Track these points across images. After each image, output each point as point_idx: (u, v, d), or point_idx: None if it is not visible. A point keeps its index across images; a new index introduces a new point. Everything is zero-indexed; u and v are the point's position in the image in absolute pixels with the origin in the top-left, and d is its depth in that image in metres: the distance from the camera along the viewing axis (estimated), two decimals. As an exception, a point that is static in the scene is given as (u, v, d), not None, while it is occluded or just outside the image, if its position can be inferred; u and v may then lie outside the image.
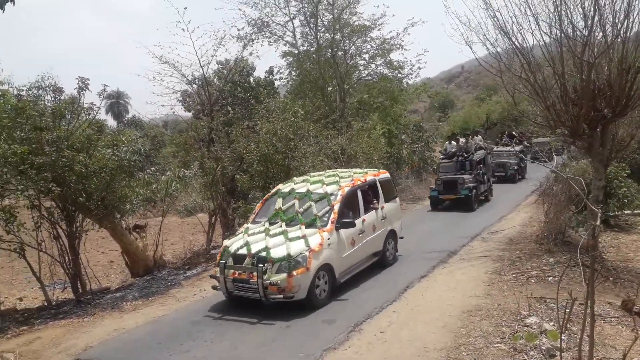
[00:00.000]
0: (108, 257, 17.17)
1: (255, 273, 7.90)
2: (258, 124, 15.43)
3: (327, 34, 24.71)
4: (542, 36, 9.58)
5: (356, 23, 24.21)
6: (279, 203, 9.57)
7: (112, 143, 10.85)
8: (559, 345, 5.55)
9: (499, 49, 10.51)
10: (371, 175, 10.98)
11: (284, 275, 7.80)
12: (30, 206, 9.80)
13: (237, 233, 9.69)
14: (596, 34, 9.14)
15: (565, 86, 9.27)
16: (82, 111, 10.80)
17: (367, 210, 10.10)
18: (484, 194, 19.69)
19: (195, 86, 18.36)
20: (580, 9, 8.91)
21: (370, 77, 25.93)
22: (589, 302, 5.00)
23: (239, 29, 22.69)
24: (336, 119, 22.20)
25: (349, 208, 9.63)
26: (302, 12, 24.31)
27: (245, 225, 9.70)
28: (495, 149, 27.50)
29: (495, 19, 9.92)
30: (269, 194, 10.41)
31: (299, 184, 10.12)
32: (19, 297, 12.39)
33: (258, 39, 23.52)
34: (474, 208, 17.99)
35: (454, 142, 20.68)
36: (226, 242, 9.04)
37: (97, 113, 11.10)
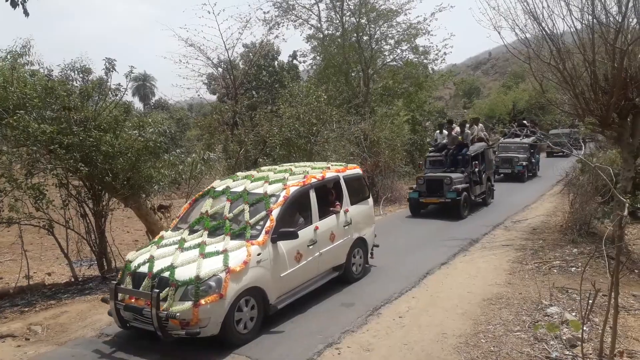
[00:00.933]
0: (133, 236, 17.51)
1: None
2: (281, 108, 15.49)
3: (352, 18, 24.53)
4: (573, 22, 9.37)
5: (382, 7, 23.99)
6: (207, 205, 7.60)
7: (139, 124, 11.00)
8: (580, 335, 5.51)
9: (528, 35, 10.32)
10: (333, 171, 8.79)
11: (188, 304, 5.79)
12: (58, 184, 10.03)
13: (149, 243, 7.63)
14: (630, 20, 8.91)
15: (595, 74, 9.06)
16: (109, 92, 10.96)
17: (323, 214, 8.10)
18: (482, 197, 16.36)
19: (220, 69, 18.48)
20: (614, -6, 8.67)
21: (395, 63, 25.71)
22: (612, 293, 4.94)
23: (264, 12, 22.72)
24: (359, 104, 22.12)
25: (297, 213, 7.76)
26: (327, -5, 24.14)
27: (161, 233, 7.88)
28: (501, 140, 24.46)
29: (525, 4, 9.73)
30: (201, 192, 8.54)
31: (237, 181, 8.11)
32: (47, 272, 12.74)
33: (283, 22, 23.52)
34: (462, 215, 14.34)
35: (445, 132, 16.64)
36: (130, 255, 7.00)
37: (124, 94, 11.25)
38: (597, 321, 6.33)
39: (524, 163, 22.54)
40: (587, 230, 10.85)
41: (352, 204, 8.87)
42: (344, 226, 8.49)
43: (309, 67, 27.23)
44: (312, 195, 7.89)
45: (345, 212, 8.62)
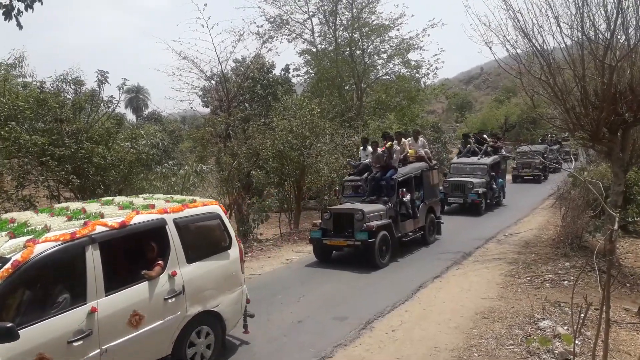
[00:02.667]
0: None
1: None
2: (274, 121, 15.52)
3: (345, 33, 24.74)
4: (563, 38, 9.50)
5: (375, 22, 24.22)
6: None
7: (131, 136, 11.02)
8: (572, 349, 5.50)
9: (519, 51, 10.45)
10: (156, 211, 5.65)
11: None
12: (50, 196, 9.99)
13: None
14: (619, 37, 9.03)
15: (585, 89, 9.18)
16: (102, 104, 10.98)
17: (120, 284, 5.12)
18: (418, 234, 12.63)
19: (213, 82, 18.53)
20: (602, 12, 8.84)
21: (387, 77, 25.89)
22: (604, 307, 4.95)
23: (258, 26, 22.85)
24: (352, 117, 22.21)
25: (56, 287, 4.79)
26: (321, 10, 24.39)
27: None
28: (454, 159, 20.45)
29: (516, 20, 9.87)
30: None
31: None
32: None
33: (277, 36, 23.65)
34: (379, 264, 10.52)
35: (369, 148, 13.05)
36: None
37: (116, 106, 11.31)
38: (589, 335, 6.33)
39: (480, 190, 17.49)
40: (578, 244, 10.89)
41: (192, 260, 5.85)
42: (168, 298, 5.44)
43: (303, 80, 27.39)
44: (92, 255, 4.82)
45: (172, 275, 5.54)
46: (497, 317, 7.35)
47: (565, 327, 6.65)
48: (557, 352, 5.88)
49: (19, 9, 7.10)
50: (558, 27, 9.40)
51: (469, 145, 19.82)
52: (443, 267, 10.48)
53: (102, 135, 10.51)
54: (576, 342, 5.62)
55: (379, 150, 12.53)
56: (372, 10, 24.25)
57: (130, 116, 59.73)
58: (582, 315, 5.25)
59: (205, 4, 15.62)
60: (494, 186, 18.69)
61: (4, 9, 7.00)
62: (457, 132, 38.52)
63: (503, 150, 20.92)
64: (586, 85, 9.13)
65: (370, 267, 10.46)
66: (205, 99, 24.56)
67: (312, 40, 25.30)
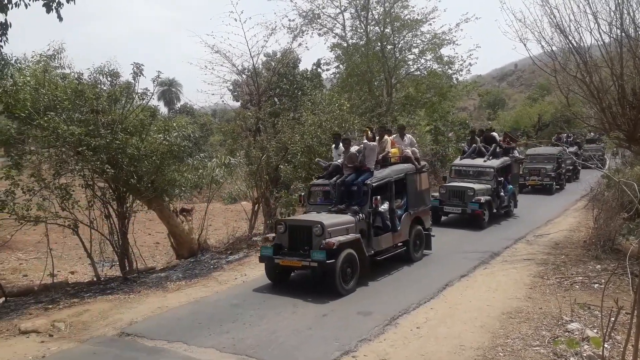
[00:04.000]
0: (154, 238, 17.78)
1: None
2: (303, 116, 15.58)
3: (377, 27, 24.58)
4: (601, 35, 9.29)
5: (407, 17, 23.96)
6: None
7: (164, 128, 11.22)
8: (601, 353, 5.42)
9: (554, 48, 10.27)
10: None
11: None
12: (84, 185, 10.28)
13: None
14: (660, 34, 8.78)
15: (623, 88, 8.96)
16: (136, 96, 11.22)
17: None
18: (398, 250, 10.54)
19: (244, 76, 18.67)
20: (643, 8, 8.58)
21: (418, 72, 25.64)
22: (635, 311, 4.86)
23: (290, 20, 22.87)
24: (382, 113, 22.10)
25: None
26: (353, 4, 24.25)
27: None
28: (456, 161, 17.27)
29: (552, 17, 9.71)
30: None
31: None
32: (70, 271, 13.02)
33: (308, 30, 23.64)
34: (339, 290, 8.51)
35: (342, 146, 10.70)
36: None
37: (150, 98, 11.52)
38: (619, 339, 6.20)
39: (483, 199, 14.74)
40: (611, 247, 10.64)
41: None
42: None
43: (333, 75, 27.35)
44: None
45: None
46: (524, 317, 7.27)
47: (595, 331, 6.54)
48: (585, 355, 5.79)
49: (59, 2, 7.35)
50: (596, 24, 9.21)
51: (474, 145, 16.75)
52: (470, 266, 10.39)
53: (136, 126, 10.74)
54: (605, 345, 5.54)
55: (352, 149, 10.32)
56: (404, 4, 24.01)
57: (163, 109, 60.84)
58: (613, 319, 5.19)
59: (239, -2, 15.75)
60: (502, 193, 15.84)
61: (44, 2, 7.25)
62: (497, 130, 37.94)
63: (516, 151, 18.11)
64: (624, 83, 8.92)
65: (328, 293, 8.46)
66: (236, 93, 24.79)
67: (343, 34, 25.23)
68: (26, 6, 7.43)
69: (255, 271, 10.24)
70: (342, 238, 8.69)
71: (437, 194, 15.49)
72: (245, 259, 11.61)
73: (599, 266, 9.78)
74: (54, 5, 7.37)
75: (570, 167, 26.28)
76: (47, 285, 10.11)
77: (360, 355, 6.15)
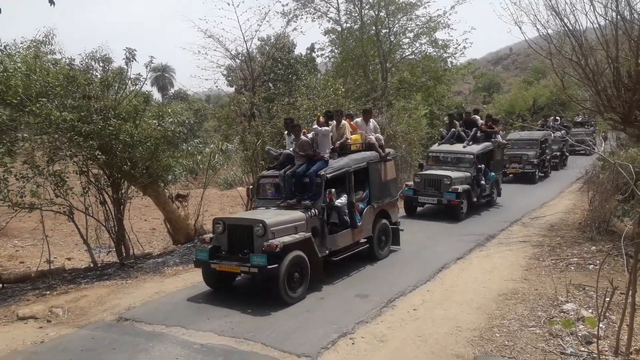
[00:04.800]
0: (150, 224, 17.76)
1: None
2: (298, 101, 15.50)
3: (371, 11, 24.36)
4: (596, 18, 9.25)
5: (402, 0, 23.77)
6: None
7: (158, 114, 11.14)
8: (596, 332, 5.48)
9: (549, 31, 10.22)
10: None
11: None
12: (79, 172, 10.22)
13: None
14: (656, 15, 8.74)
15: (618, 70, 8.95)
16: (129, 82, 11.11)
17: None
18: (362, 247, 9.59)
19: (238, 61, 18.53)
20: (639, -11, 8.54)
21: (413, 56, 25.51)
22: (630, 291, 4.90)
23: (283, 5, 22.64)
24: (377, 97, 22.02)
25: None
26: (347, -13, 24.02)
27: None
28: (433, 147, 16.10)
29: (548, -1, 9.61)
30: None
31: None
32: (67, 257, 13.01)
33: (302, 14, 23.42)
34: (285, 298, 7.38)
35: (294, 136, 9.44)
36: None
37: (143, 84, 11.41)
38: (614, 319, 6.27)
39: (460, 188, 13.66)
40: (606, 228, 10.72)
41: None
42: None
43: (327, 59, 27.18)
44: None
45: None
46: (520, 298, 7.33)
47: (590, 311, 6.60)
48: (580, 334, 5.86)
49: (50, -16, 7.22)
50: (591, 6, 9.16)
51: (453, 129, 15.71)
52: (466, 248, 10.44)
53: (130, 112, 10.65)
54: (600, 325, 5.60)
55: (303, 136, 9.25)
56: (399, -13, 23.81)
57: (157, 95, 60.38)
58: (607, 299, 5.23)
59: (232, -19, 15.54)
60: (483, 182, 14.68)
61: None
62: (482, 113, 37.58)
63: (499, 136, 16.71)
64: (619, 66, 8.90)
65: (273, 305, 7.35)
66: (229, 78, 24.60)
67: (338, 18, 25.02)
68: (15, -10, 7.31)
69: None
70: (288, 238, 7.57)
71: (411, 182, 14.65)
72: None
73: (594, 247, 9.85)
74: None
75: (557, 154, 24.75)
76: (44, 271, 10.10)
77: (358, 336, 6.19)
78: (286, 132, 10.42)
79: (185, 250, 11.68)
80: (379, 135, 10.69)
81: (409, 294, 7.74)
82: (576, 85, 11.94)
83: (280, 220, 7.85)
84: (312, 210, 8.32)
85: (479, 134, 15.29)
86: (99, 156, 9.67)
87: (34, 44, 11.12)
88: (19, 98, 9.41)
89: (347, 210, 9.02)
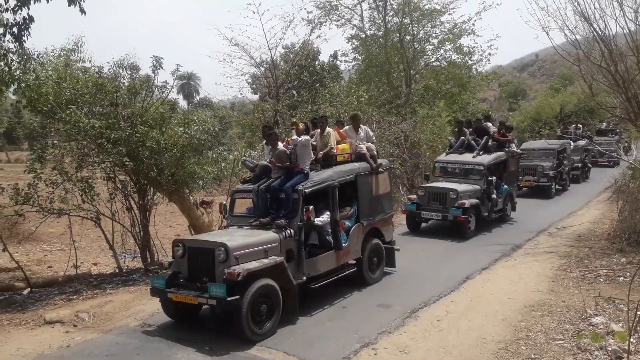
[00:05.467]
0: (175, 230, 17.94)
1: None
2: (322, 108, 15.54)
3: (395, 18, 24.33)
4: (626, 23, 9.09)
5: (426, 7, 23.67)
6: None
7: (184, 121, 11.27)
8: (626, 347, 5.31)
9: (578, 36, 10.09)
10: None
11: None
12: (106, 178, 10.40)
13: None
14: (689, 20, 8.52)
15: (650, 76, 8.73)
16: (156, 89, 11.29)
17: None
18: (349, 271, 8.47)
19: (262, 69, 18.70)
20: (672, -6, 8.34)
21: (438, 63, 25.36)
22: (663, 304, 4.75)
23: (308, 12, 22.79)
24: (401, 104, 21.94)
25: None
26: (371, -5, 24.04)
27: None
28: (440, 157, 15.07)
29: (576, 4, 9.54)
30: None
31: None
32: (93, 262, 13.22)
33: (326, 22, 23.53)
34: (247, 335, 6.36)
35: (281, 145, 8.31)
36: None
37: (170, 92, 11.58)
38: (646, 333, 6.08)
39: (468, 202, 12.33)
40: (636, 239, 10.41)
41: None
42: None
43: (350, 67, 27.22)
44: None
45: None
46: (547, 311, 7.17)
47: (620, 325, 6.41)
48: (610, 349, 5.69)
49: (81, -6, 7.43)
50: (621, 11, 9.00)
51: (462, 137, 14.50)
52: (491, 258, 10.27)
53: (156, 119, 10.81)
54: (631, 340, 5.43)
55: (281, 145, 8.21)
56: (424, -6, 23.72)
57: (182, 102, 61.25)
58: (639, 312, 5.07)
59: (257, -10, 15.75)
60: (494, 196, 13.28)
61: (67, -5, 7.34)
62: (510, 121, 36.79)
63: (513, 145, 15.32)
64: (651, 72, 8.70)
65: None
66: (254, 86, 24.86)
67: (361, 25, 25.06)
68: (48, 0, 7.51)
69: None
70: (254, 264, 6.52)
71: (414, 196, 13.45)
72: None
73: (624, 259, 9.59)
74: (77, -2, 7.45)
75: (579, 165, 22.55)
76: (70, 276, 10.28)
77: (380, 347, 6.14)
78: (264, 141, 9.26)
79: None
80: (370, 144, 9.50)
81: (432, 305, 7.64)
82: (605, 92, 11.71)
83: (247, 242, 6.87)
84: (288, 231, 7.28)
85: (490, 142, 13.98)
86: (127, 163, 9.82)
87: (64, 52, 11.39)
88: (49, 105, 9.65)
89: (330, 230, 7.95)
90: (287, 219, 7.46)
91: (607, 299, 7.36)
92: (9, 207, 9.43)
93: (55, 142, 10.65)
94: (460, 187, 12.76)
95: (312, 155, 8.20)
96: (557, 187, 19.45)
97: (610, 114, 13.59)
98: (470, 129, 14.90)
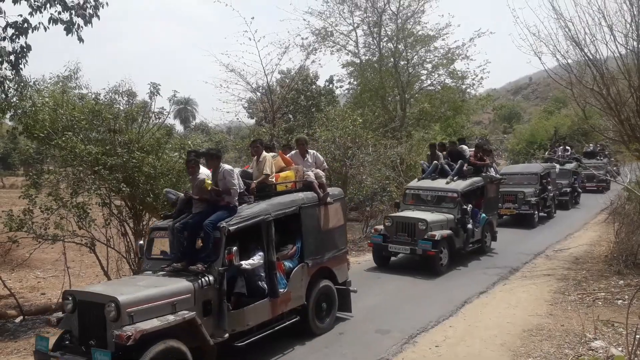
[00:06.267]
0: (170, 256, 17.81)
1: None
2: (317, 132, 15.62)
3: (389, 44, 24.69)
4: (617, 47, 9.24)
5: (420, 33, 24.04)
6: None
7: (180, 146, 11.30)
8: (627, 372, 5.26)
9: (569, 60, 10.21)
10: None
11: None
12: (101, 204, 10.35)
13: None
14: (678, 45, 8.68)
15: (642, 99, 8.84)
16: (153, 115, 11.34)
17: None
18: (289, 321, 7.18)
19: (258, 94, 18.85)
20: (660, 19, 8.51)
21: (432, 87, 25.65)
22: (662, 328, 4.72)
23: (303, 38, 23.09)
24: (396, 128, 22.11)
25: None
26: (365, 21, 24.43)
27: None
28: (411, 183, 13.63)
29: (567, 30, 9.67)
30: None
31: None
32: (87, 289, 13.07)
33: (321, 48, 23.84)
34: None
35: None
36: None
37: (166, 117, 11.64)
38: (646, 358, 6.03)
39: (438, 234, 11.00)
40: (634, 262, 10.41)
41: None
42: None
43: (346, 91, 27.47)
44: None
45: None
46: (545, 335, 7.12)
47: (620, 349, 6.36)
48: (610, 374, 5.63)
49: (79, 24, 7.54)
50: (612, 36, 9.14)
51: (435, 162, 13.25)
52: (489, 282, 10.24)
53: (153, 145, 10.83)
54: (631, 364, 5.37)
55: (200, 173, 6.75)
56: (417, 20, 24.10)
57: (179, 127, 61.49)
58: (638, 336, 5.03)
59: (253, 18, 15.97)
60: (469, 226, 11.94)
61: (65, 25, 7.44)
62: (505, 144, 36.93)
63: (492, 169, 14.02)
64: (642, 95, 8.81)
65: None
66: (250, 110, 25.01)
67: (356, 51, 25.38)
68: (45, 29, 7.60)
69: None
70: (153, 323, 5.27)
71: (381, 226, 12.01)
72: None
73: (621, 281, 9.57)
74: (75, 28, 7.54)
75: (567, 190, 21.23)
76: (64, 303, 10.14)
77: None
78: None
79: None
80: (319, 171, 8.23)
81: (430, 330, 7.58)
82: (598, 114, 11.82)
83: (148, 295, 5.53)
84: (205, 278, 6.00)
85: (466, 167, 12.74)
86: (123, 188, 9.80)
87: (61, 79, 11.49)
88: (45, 132, 9.67)
89: (262, 274, 6.67)
90: (205, 262, 6.15)
91: (605, 323, 7.32)
92: (2, 234, 9.36)
93: (51, 168, 10.64)
94: (431, 216, 11.52)
95: (243, 186, 6.99)
96: (542, 214, 18.20)
97: (603, 137, 13.69)
98: (444, 153, 13.70)
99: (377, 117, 21.14)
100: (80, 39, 7.73)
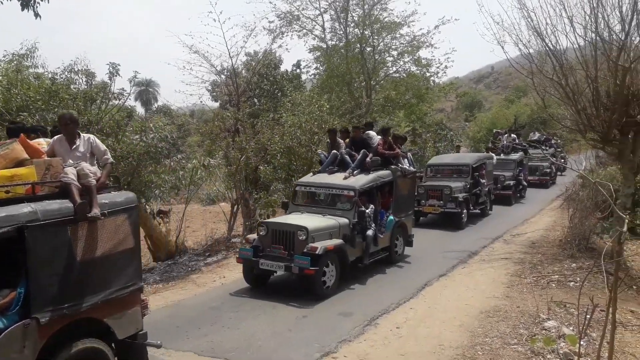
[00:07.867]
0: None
1: None
2: (283, 117, 15.53)
3: (356, 29, 24.66)
4: (576, 39, 9.43)
5: (386, 19, 24.10)
6: None
7: (140, 129, 11.06)
8: (577, 350, 5.49)
9: (531, 50, 10.39)
10: None
11: None
12: (59, 187, 10.06)
13: None
14: (633, 38, 8.95)
15: (597, 90, 9.11)
16: (113, 96, 11.05)
17: None
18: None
19: (223, 77, 18.55)
20: (617, 13, 8.75)
21: (397, 74, 25.81)
22: (610, 308, 4.93)
23: (269, 21, 22.81)
24: (362, 114, 22.17)
25: None
26: (332, 6, 24.35)
27: None
28: (303, 178, 10.87)
29: (530, 20, 9.81)
30: None
31: None
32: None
33: (287, 32, 23.61)
34: None
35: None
36: None
37: (127, 99, 11.36)
38: (595, 336, 6.32)
39: (321, 248, 8.18)
40: (586, 246, 10.83)
41: None
42: None
43: (313, 76, 27.37)
44: None
45: None
46: (502, 316, 7.35)
47: (571, 328, 6.64)
48: (561, 352, 5.88)
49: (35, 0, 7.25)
50: (572, 27, 9.34)
51: (334, 151, 10.72)
52: (449, 265, 10.47)
53: (112, 127, 10.58)
54: (581, 342, 5.62)
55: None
56: (384, 7, 24.17)
57: (140, 109, 59.97)
58: (588, 316, 5.24)
59: (217, -2, 15.62)
60: (370, 232, 9.52)
61: (21, 0, 7.14)
62: (466, 131, 37.55)
63: (406, 160, 11.41)
64: (598, 86, 9.07)
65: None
66: (214, 94, 24.61)
67: (323, 36, 25.28)
68: (1, 2, 7.28)
69: (234, 273, 10.14)
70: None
71: (254, 235, 9.20)
72: (223, 260, 11.50)
73: (574, 265, 9.95)
74: (31, 3, 7.24)
75: (510, 183, 19.02)
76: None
77: (340, 356, 6.14)
78: None
79: (166, 267, 11.52)
80: (86, 166, 5.16)
81: (392, 312, 7.71)
82: (557, 104, 12.13)
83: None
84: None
85: (370, 158, 10.26)
86: (80, 172, 9.54)
87: (16, 57, 11.02)
88: (-2, 112, 9.29)
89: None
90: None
91: (558, 304, 7.60)
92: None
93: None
94: (316, 222, 8.85)
95: None
96: (474, 211, 15.86)
97: (561, 125, 14.04)
98: (347, 140, 11.19)
99: (343, 103, 21.16)
100: (37, 15, 7.43)
